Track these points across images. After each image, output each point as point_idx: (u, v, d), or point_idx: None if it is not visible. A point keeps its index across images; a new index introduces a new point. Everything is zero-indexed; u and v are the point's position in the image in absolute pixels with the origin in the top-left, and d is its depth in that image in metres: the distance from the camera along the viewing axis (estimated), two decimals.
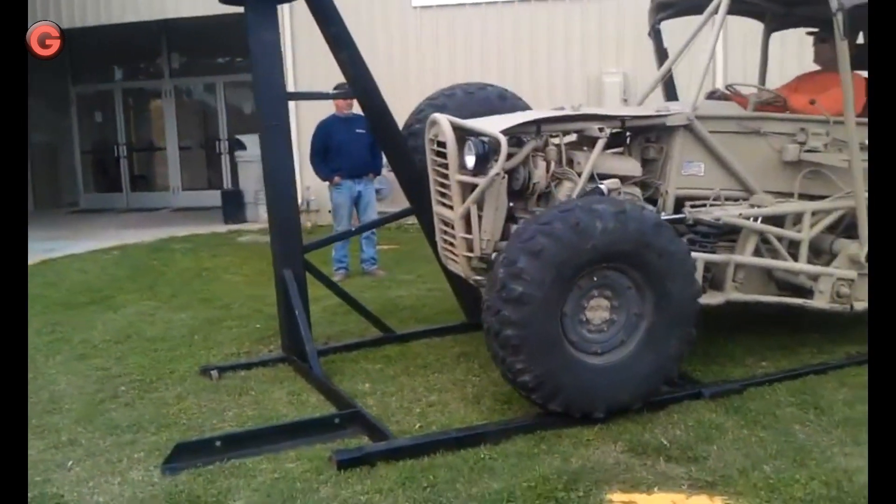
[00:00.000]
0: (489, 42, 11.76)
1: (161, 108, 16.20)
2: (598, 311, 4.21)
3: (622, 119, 4.90)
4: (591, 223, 4.00)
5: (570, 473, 3.68)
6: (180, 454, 3.92)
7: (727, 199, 5.03)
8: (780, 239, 5.02)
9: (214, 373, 5.29)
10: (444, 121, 4.69)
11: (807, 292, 5.09)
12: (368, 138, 8.41)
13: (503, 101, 5.82)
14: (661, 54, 6.26)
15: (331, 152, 8.25)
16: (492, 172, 4.46)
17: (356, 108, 8.44)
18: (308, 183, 12.45)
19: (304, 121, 12.33)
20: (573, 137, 5.08)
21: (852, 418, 4.20)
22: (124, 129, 16.29)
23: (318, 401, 4.77)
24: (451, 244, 4.95)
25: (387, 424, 4.27)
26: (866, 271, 4.93)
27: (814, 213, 5.05)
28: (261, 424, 4.37)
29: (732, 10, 5.25)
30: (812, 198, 5.14)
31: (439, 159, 4.85)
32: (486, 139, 4.49)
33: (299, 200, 12.15)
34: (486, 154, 4.48)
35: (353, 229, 6.99)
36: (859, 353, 5.15)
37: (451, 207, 4.78)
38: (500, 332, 4.00)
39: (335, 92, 5.76)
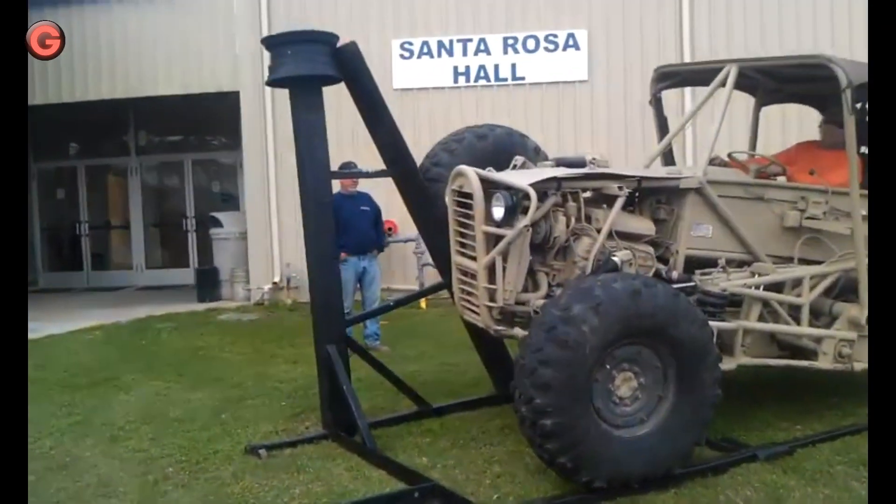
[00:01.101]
0: (467, 123, 12.13)
1: (125, 185, 16.05)
2: (626, 384, 4.34)
3: (639, 179, 5.11)
4: (650, 296, 4.19)
5: None
6: None
7: (731, 261, 5.26)
8: (781, 303, 5.27)
9: (263, 451, 5.26)
10: (471, 173, 4.83)
11: (809, 353, 5.35)
12: (372, 215, 8.61)
13: (511, 138, 6.02)
14: (662, 121, 6.59)
15: (336, 229, 8.34)
16: (521, 224, 4.61)
17: (360, 187, 8.71)
18: (288, 259, 12.53)
19: (282, 198, 12.50)
20: (589, 194, 5.16)
21: None
22: (86, 206, 16.05)
23: (380, 475, 4.80)
24: (471, 294, 5.08)
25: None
26: (865, 333, 5.22)
27: (811, 278, 5.32)
28: (342, 501, 4.36)
29: (723, 84, 5.54)
30: (808, 263, 5.43)
31: (463, 210, 5.00)
32: (514, 192, 4.64)
33: (277, 278, 12.39)
34: (515, 206, 4.63)
35: (391, 303, 7.03)
36: None
37: (473, 258, 4.92)
38: (536, 370, 4.07)
39: (375, 171, 5.91)
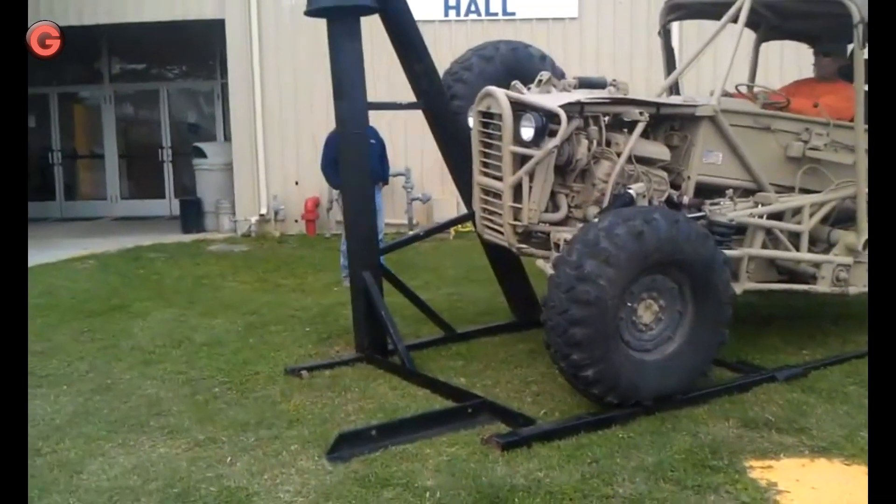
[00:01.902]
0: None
1: (99, 113, 15.74)
2: (648, 311, 4.61)
3: (658, 106, 5.30)
4: (652, 233, 4.40)
5: (709, 446, 4.15)
6: (342, 444, 4.14)
7: (737, 189, 5.49)
8: (783, 231, 5.55)
9: (305, 372, 5.46)
10: (501, 94, 4.96)
11: (808, 278, 5.67)
12: (378, 148, 8.68)
13: (516, 53, 6.15)
14: (669, 53, 6.78)
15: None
16: (551, 144, 4.77)
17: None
18: (275, 191, 12.56)
19: (269, 130, 12.46)
20: (608, 119, 5.29)
21: None
22: (59, 135, 15.73)
23: (425, 394, 5.04)
24: (494, 214, 5.27)
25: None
26: (861, 259, 5.58)
27: (811, 206, 5.61)
28: (404, 416, 4.61)
29: (735, 19, 5.69)
30: (807, 192, 5.70)
31: (489, 130, 5.15)
32: (543, 113, 4.78)
33: (265, 210, 12.42)
34: (544, 127, 4.79)
35: (420, 232, 7.22)
36: None
37: (498, 178, 5.10)
38: (567, 330, 4.30)
39: (410, 102, 6.00)
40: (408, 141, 11.60)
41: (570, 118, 4.83)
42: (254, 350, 6.14)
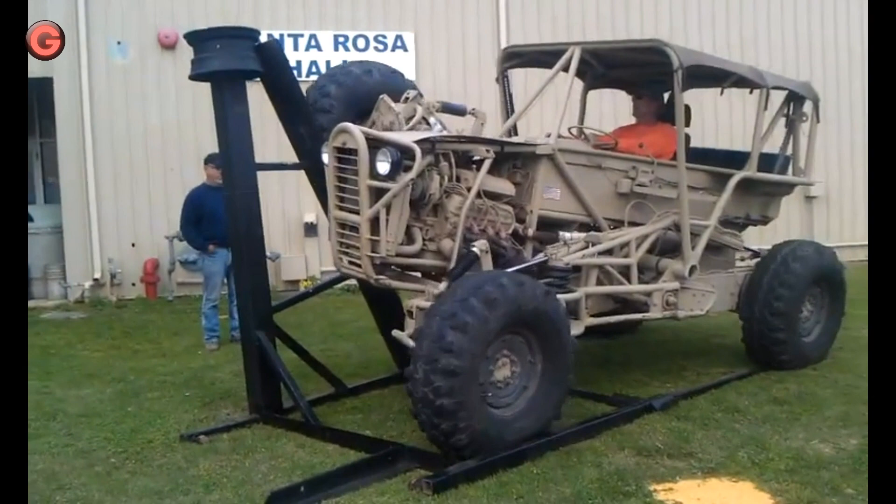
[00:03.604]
0: None
1: None
2: (503, 369, 4.87)
3: (502, 144, 5.68)
4: (503, 298, 4.67)
5: (615, 474, 4.56)
6: (275, 503, 4.16)
7: (573, 222, 5.94)
8: (614, 266, 5.95)
9: (203, 437, 5.36)
10: (356, 130, 5.11)
11: (641, 306, 6.13)
12: None
13: (394, 76, 6.26)
14: (507, 98, 7.16)
15: (203, 221, 8.35)
16: (407, 177, 5.00)
17: None
18: (110, 254, 12.03)
19: (101, 189, 11.98)
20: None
21: (770, 416, 5.58)
22: None
23: (335, 448, 5.12)
24: (351, 247, 5.41)
25: None
26: (687, 285, 6.21)
27: (637, 239, 6.04)
28: (328, 470, 4.67)
29: (566, 68, 6.09)
30: (634, 224, 6.15)
31: (344, 165, 5.30)
32: (398, 148, 4.98)
33: (98, 274, 11.83)
34: (399, 162, 5.00)
35: (310, 289, 7.18)
36: (731, 372, 6.67)
37: (355, 212, 5.23)
38: (434, 401, 4.48)
39: (298, 163, 6.09)
40: None
41: (423, 153, 5.08)
42: (137, 418, 5.92)
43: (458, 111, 5.97)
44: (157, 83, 12.07)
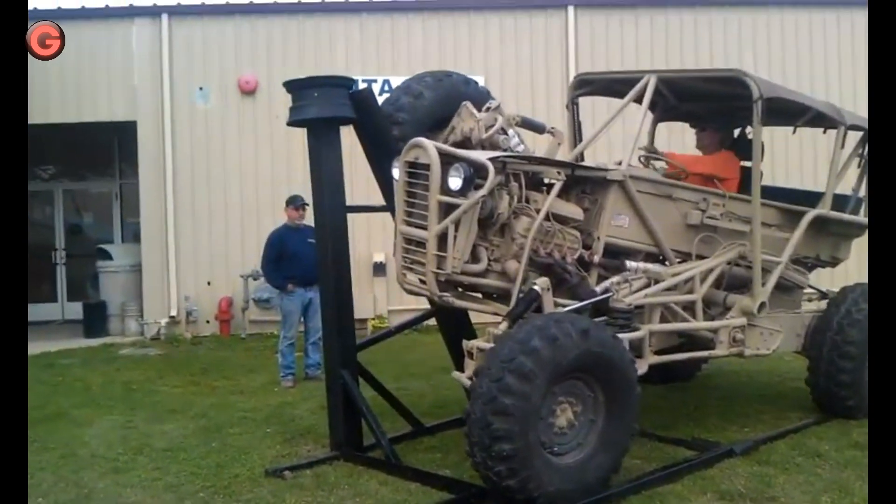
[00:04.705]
0: None
1: None
2: (563, 415, 4.73)
3: (573, 167, 5.63)
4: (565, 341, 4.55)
5: None
6: None
7: (640, 252, 5.86)
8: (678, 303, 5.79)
9: (287, 473, 5.49)
10: (429, 145, 5.11)
11: (707, 342, 5.96)
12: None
13: (468, 87, 6.15)
14: (577, 125, 7.17)
15: (283, 261, 8.62)
16: (478, 194, 4.95)
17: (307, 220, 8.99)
18: (186, 292, 12.40)
19: (180, 230, 12.40)
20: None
21: (851, 460, 5.50)
22: None
23: (417, 487, 5.20)
24: (416, 263, 5.34)
25: None
26: (755, 322, 6.08)
27: (701, 273, 5.91)
28: None
29: (637, 99, 6.09)
30: (702, 258, 6.05)
31: (414, 180, 5.31)
32: (471, 164, 4.95)
33: (175, 311, 12.20)
34: (471, 178, 4.97)
35: (392, 328, 7.32)
36: (808, 416, 6.58)
37: (423, 227, 5.19)
38: (491, 446, 4.39)
39: (385, 205, 6.19)
40: None
41: (495, 172, 5.05)
42: (222, 453, 6.09)
43: (538, 128, 5.94)
44: (238, 127, 12.52)
